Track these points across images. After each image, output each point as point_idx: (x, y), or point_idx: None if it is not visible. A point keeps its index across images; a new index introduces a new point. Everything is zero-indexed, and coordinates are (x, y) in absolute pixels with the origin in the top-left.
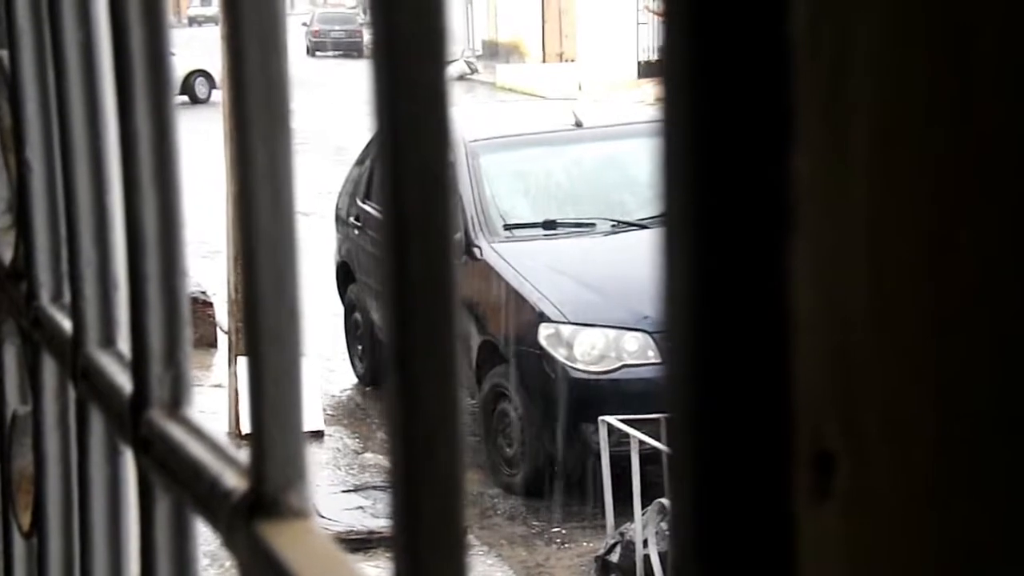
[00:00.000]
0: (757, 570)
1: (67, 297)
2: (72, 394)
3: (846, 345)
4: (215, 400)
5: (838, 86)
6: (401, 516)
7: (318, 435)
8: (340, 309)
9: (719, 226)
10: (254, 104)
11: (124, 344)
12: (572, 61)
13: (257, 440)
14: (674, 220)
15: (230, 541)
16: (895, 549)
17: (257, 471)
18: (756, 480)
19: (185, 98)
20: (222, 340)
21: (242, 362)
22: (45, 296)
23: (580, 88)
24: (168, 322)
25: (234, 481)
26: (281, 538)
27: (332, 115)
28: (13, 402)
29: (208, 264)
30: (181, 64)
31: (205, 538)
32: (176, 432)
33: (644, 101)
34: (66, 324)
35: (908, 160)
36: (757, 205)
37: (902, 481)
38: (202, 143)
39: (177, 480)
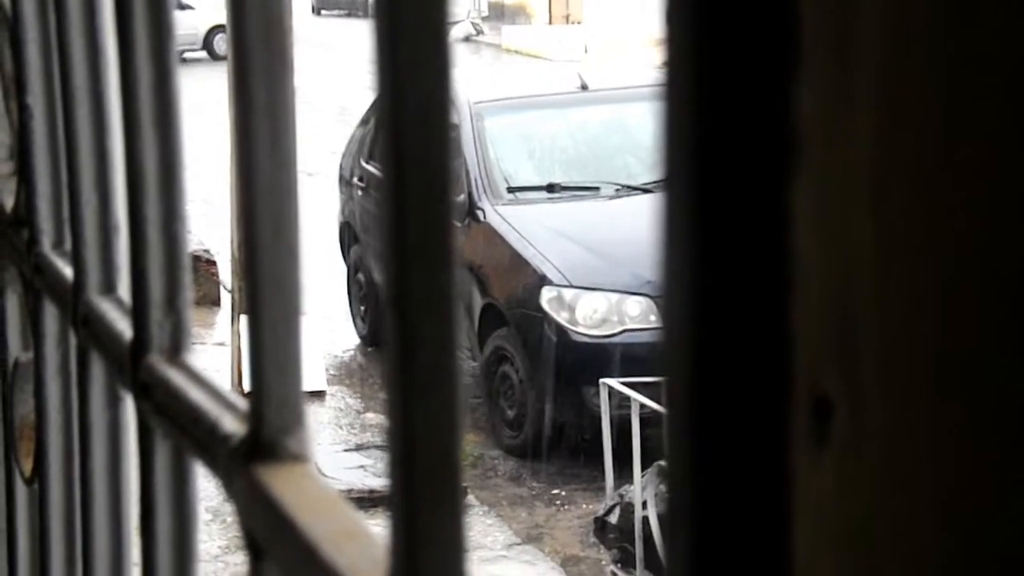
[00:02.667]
0: (753, 518)
1: (68, 244)
2: (73, 341)
3: (847, 291)
4: (218, 358)
5: (847, 23)
6: (397, 473)
7: (320, 395)
8: (343, 270)
9: (720, 170)
10: (254, 48)
11: (124, 291)
12: (578, 23)
13: (256, 385)
14: (675, 165)
15: (228, 485)
16: (891, 496)
17: (256, 416)
18: (753, 427)
19: (205, 54)
20: (225, 299)
21: (245, 320)
22: (46, 243)
23: (586, 51)
24: (168, 268)
25: (233, 426)
26: (279, 481)
27: (337, 75)
28: (15, 349)
29: (213, 222)
30: (202, 20)
31: (207, 494)
32: (176, 378)
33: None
34: (67, 271)
35: (916, 98)
36: (760, 146)
37: (899, 429)
38: (219, 100)
39: (176, 425)
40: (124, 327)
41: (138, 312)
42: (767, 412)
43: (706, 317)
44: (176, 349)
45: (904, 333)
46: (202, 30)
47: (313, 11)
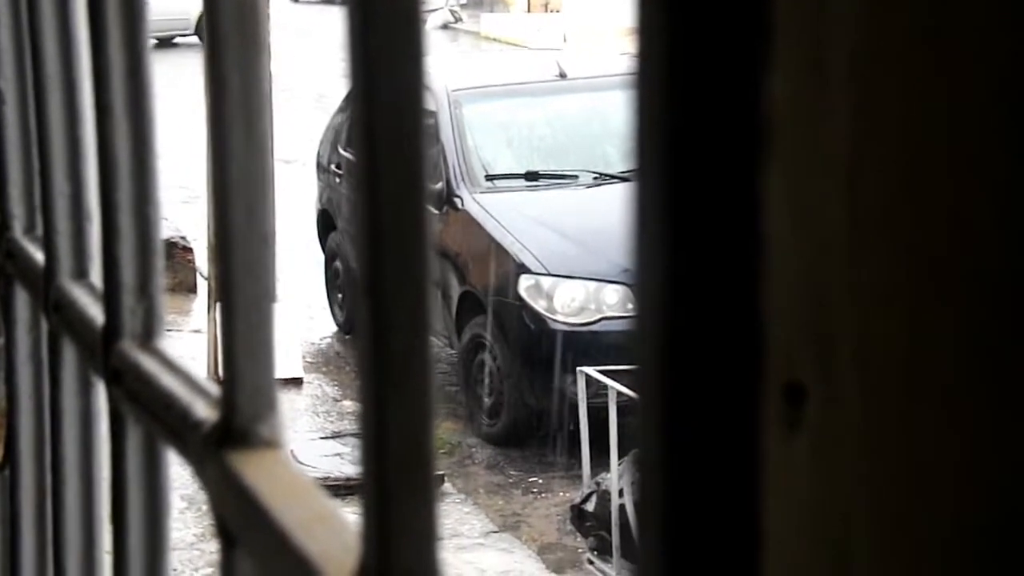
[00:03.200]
0: (725, 502)
1: (40, 229)
2: (45, 326)
3: (820, 275)
4: (194, 345)
5: (818, 6)
6: (370, 460)
7: (297, 382)
8: (321, 257)
9: (692, 155)
10: (228, 33)
11: (97, 277)
12: (557, 12)
13: (228, 371)
14: (647, 151)
15: (201, 471)
16: (864, 480)
17: (228, 402)
18: (726, 412)
19: (196, 39)
20: (202, 286)
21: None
22: (18, 228)
23: (565, 39)
24: (140, 254)
25: (205, 412)
26: (251, 467)
27: (315, 62)
28: None
29: (188, 209)
30: (193, 4)
31: (182, 481)
32: (148, 364)
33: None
34: (39, 256)
35: (890, 81)
36: (733, 132)
37: (872, 413)
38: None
39: (148, 411)
40: (96, 313)
41: (110, 298)
42: (739, 397)
43: (678, 302)
44: (148, 335)
45: (878, 318)
46: (193, 15)
47: None
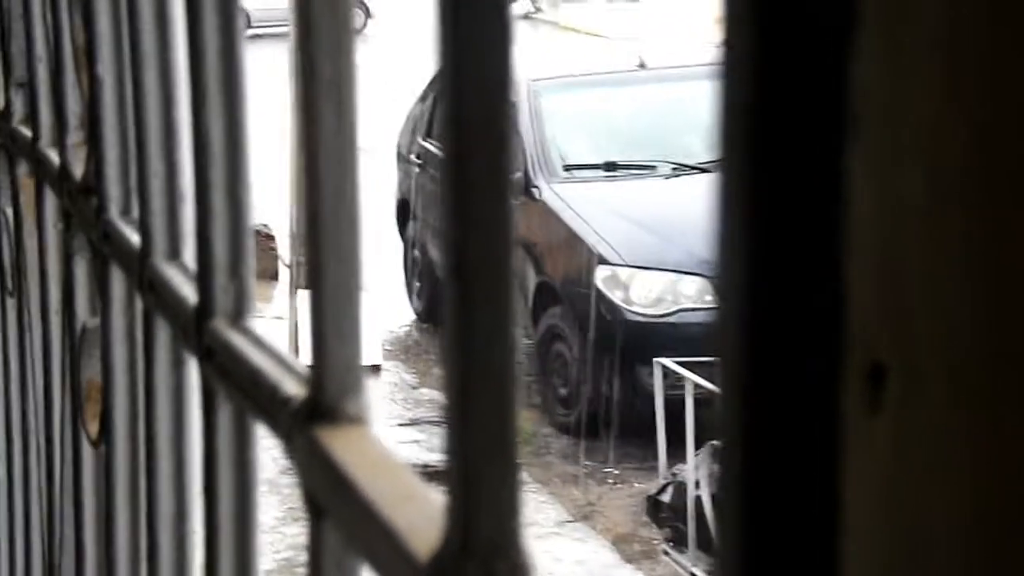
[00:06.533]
0: (805, 486)
1: (135, 211)
2: (139, 306)
3: (900, 254)
4: (276, 331)
5: None
6: (455, 438)
7: (376, 369)
8: (399, 246)
9: (777, 137)
10: (319, 19)
11: (190, 257)
12: (637, 1)
13: (317, 349)
14: (731, 132)
15: (289, 446)
16: (945, 463)
17: (316, 379)
18: (807, 393)
19: (274, 31)
20: (283, 273)
21: (302, 295)
22: (114, 210)
23: (644, 29)
24: (232, 234)
25: (294, 389)
26: (338, 443)
27: (398, 49)
28: (83, 314)
29: (271, 198)
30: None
31: (263, 465)
32: (238, 341)
33: (709, 43)
34: (134, 237)
35: (973, 65)
36: (816, 113)
37: (954, 394)
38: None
39: (239, 388)
40: (189, 292)
41: (203, 277)
42: (821, 378)
43: (761, 286)
44: (239, 314)
45: (957, 295)
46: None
47: None
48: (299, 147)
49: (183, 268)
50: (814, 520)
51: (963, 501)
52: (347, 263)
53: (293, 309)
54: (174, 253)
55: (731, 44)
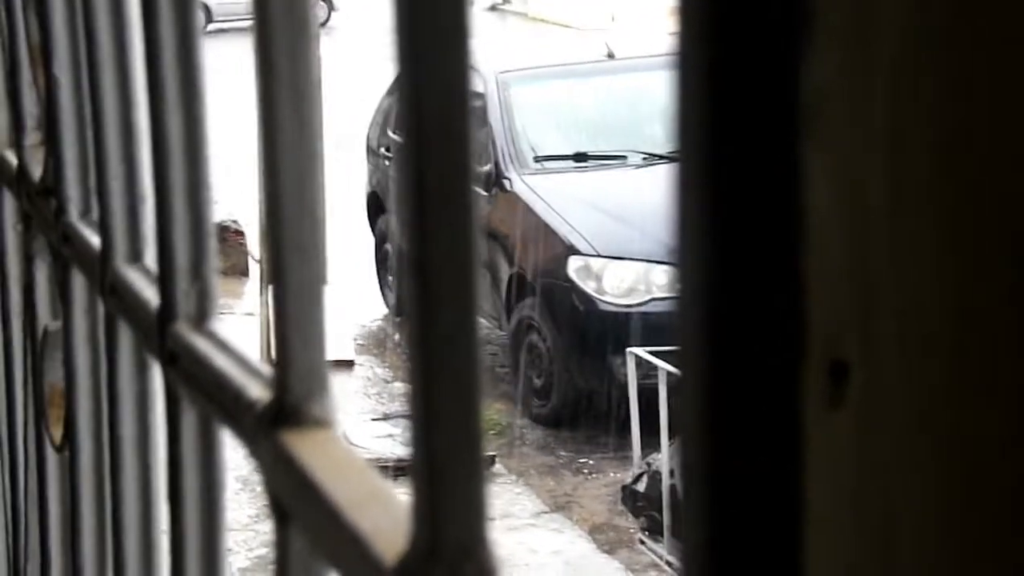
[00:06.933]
0: (766, 479)
1: (95, 213)
2: (101, 309)
3: (863, 252)
4: (246, 328)
5: None
6: (419, 437)
7: (348, 364)
8: (370, 239)
9: (733, 131)
10: (277, 15)
11: (151, 259)
12: None
13: (280, 351)
14: (688, 127)
15: (254, 450)
16: (905, 459)
17: (280, 382)
18: (767, 389)
19: (242, 25)
20: (254, 269)
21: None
22: (74, 212)
23: (613, 19)
24: (194, 236)
25: (258, 392)
26: (303, 446)
27: (364, 41)
28: (44, 318)
29: (240, 193)
30: None
31: (237, 463)
32: (202, 345)
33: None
34: (94, 240)
35: (933, 58)
36: (773, 107)
37: (916, 391)
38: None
39: (203, 392)
40: (151, 295)
41: (164, 280)
42: (782, 375)
43: (720, 280)
44: (202, 317)
45: (921, 294)
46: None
47: None
48: (259, 147)
49: (145, 271)
50: (777, 512)
51: (924, 495)
52: (310, 263)
53: (264, 305)
54: (135, 255)
55: (683, 48)
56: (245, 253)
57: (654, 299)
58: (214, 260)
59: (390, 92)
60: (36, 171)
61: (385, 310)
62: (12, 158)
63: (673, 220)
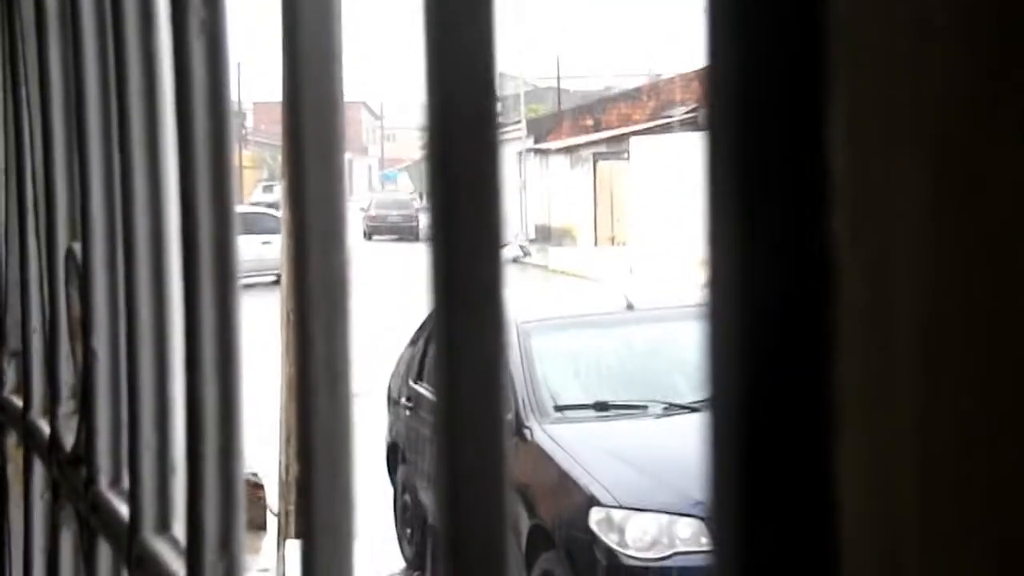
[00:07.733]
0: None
1: (125, 482)
2: None
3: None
4: None
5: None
6: None
7: None
8: (390, 491)
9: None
10: (314, 277)
11: (179, 529)
12: (623, 244)
13: None
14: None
15: None
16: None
17: None
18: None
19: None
20: (272, 523)
21: (291, 545)
22: (104, 481)
23: (631, 271)
24: (224, 508)
25: None
26: None
27: (387, 294)
28: None
29: (260, 446)
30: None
31: None
32: None
33: (695, 284)
34: (123, 509)
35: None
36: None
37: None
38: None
39: None
40: (178, 567)
41: (192, 552)
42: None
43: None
44: None
45: (943, 300)
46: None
47: (365, 236)
48: (288, 414)
49: (173, 541)
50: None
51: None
52: (340, 539)
53: (281, 560)
54: (163, 525)
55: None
56: (264, 507)
57: (677, 552)
58: (243, 532)
59: (412, 342)
60: (68, 440)
61: (403, 564)
62: (45, 427)
63: (704, 471)
